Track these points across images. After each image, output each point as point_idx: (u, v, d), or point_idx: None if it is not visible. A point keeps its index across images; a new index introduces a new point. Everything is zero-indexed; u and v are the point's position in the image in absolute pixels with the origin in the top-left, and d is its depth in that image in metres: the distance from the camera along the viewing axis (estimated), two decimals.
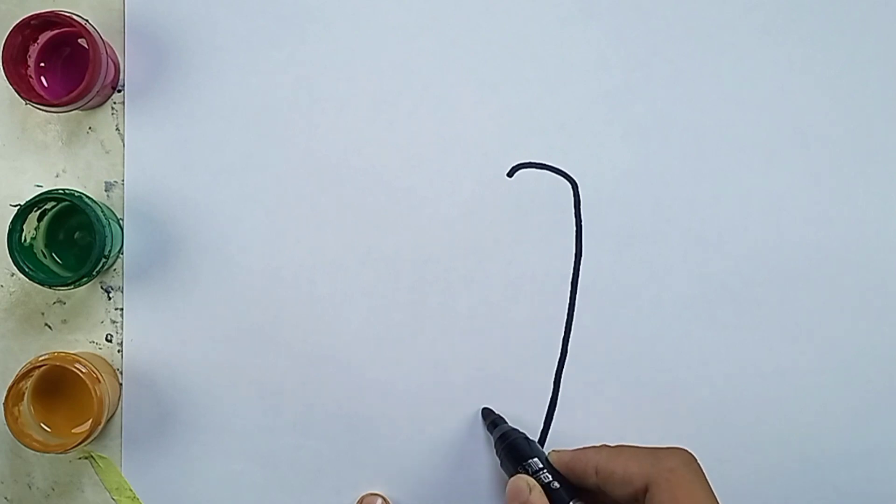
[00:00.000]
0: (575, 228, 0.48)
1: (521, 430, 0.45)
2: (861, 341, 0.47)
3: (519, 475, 0.42)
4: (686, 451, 0.39)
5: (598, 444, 0.41)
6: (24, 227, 0.44)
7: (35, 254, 0.45)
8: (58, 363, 0.44)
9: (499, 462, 0.45)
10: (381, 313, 0.48)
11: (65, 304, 0.48)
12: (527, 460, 0.42)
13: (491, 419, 0.47)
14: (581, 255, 0.47)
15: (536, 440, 0.47)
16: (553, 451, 0.43)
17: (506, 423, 0.46)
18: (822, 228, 0.48)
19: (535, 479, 0.41)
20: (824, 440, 0.47)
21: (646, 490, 0.38)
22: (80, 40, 0.47)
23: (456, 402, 0.48)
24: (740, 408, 0.47)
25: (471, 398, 0.48)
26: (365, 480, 0.48)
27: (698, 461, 0.38)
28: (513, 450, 0.44)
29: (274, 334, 0.48)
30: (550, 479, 0.41)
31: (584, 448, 0.41)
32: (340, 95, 0.48)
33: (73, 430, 0.46)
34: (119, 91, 0.48)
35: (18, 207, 0.44)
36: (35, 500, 0.48)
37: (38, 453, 0.45)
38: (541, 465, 0.42)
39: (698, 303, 0.47)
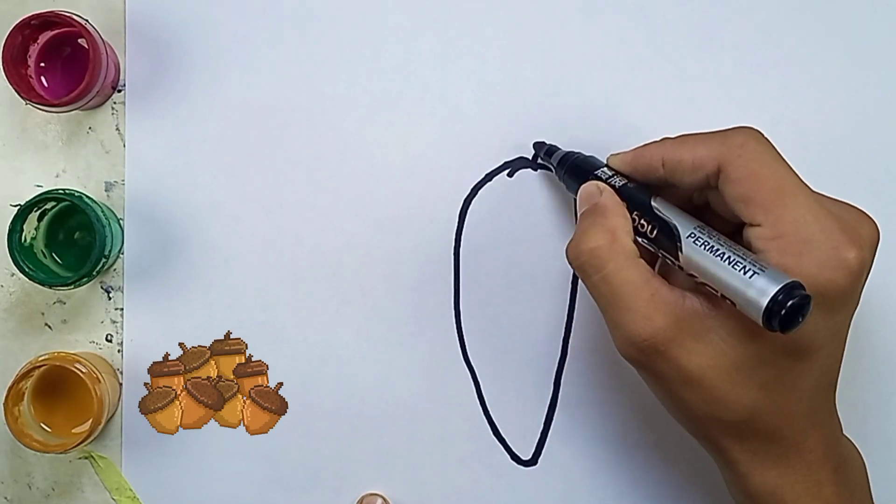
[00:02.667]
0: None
1: (578, 151, 0.44)
2: (861, 341, 0.47)
3: (588, 182, 0.41)
4: (752, 127, 0.37)
5: (657, 139, 0.40)
6: (24, 227, 0.44)
7: (35, 254, 0.45)
8: (58, 363, 0.44)
9: (564, 187, 0.44)
10: (381, 313, 0.48)
11: (65, 304, 0.48)
12: (595, 171, 0.41)
13: (545, 149, 0.46)
14: None
15: (536, 440, 0.47)
16: (611, 155, 0.41)
17: (560, 148, 0.45)
18: None
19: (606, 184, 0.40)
20: None
21: (718, 172, 0.36)
22: (80, 40, 0.47)
23: (456, 402, 0.48)
24: None
25: (471, 398, 0.48)
26: (365, 480, 0.48)
27: (764, 135, 0.37)
28: (578, 167, 0.43)
29: (274, 334, 0.48)
30: (625, 181, 0.40)
31: (644, 145, 0.40)
32: (340, 95, 0.48)
33: (73, 430, 0.46)
34: (119, 91, 0.48)
35: (18, 207, 0.44)
36: (35, 500, 0.48)
37: (38, 453, 0.45)
38: (610, 173, 0.41)
39: None
